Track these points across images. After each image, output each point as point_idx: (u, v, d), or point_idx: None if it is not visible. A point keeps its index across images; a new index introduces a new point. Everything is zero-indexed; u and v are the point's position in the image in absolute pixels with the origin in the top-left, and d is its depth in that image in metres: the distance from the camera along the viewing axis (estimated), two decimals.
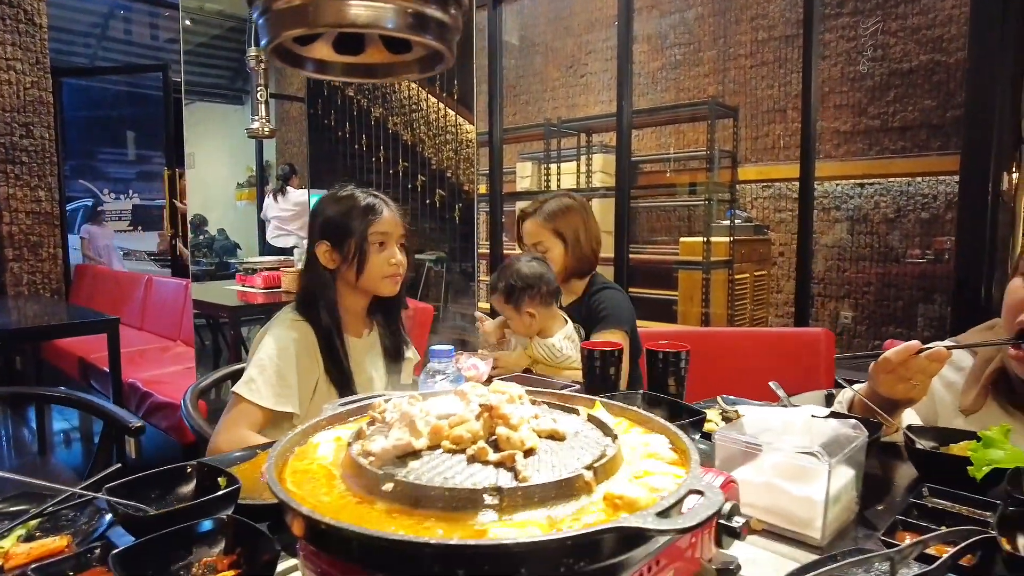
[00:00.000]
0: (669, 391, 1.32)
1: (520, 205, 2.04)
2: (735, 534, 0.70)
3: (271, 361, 1.34)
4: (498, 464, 0.55)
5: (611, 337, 1.77)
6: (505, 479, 0.53)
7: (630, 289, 4.19)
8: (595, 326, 1.82)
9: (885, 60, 5.06)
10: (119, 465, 0.92)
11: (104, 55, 9.05)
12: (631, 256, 4.65)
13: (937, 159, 4.77)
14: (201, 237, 6.89)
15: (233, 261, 5.71)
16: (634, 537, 0.47)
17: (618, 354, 1.35)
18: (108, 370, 3.12)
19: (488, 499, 0.50)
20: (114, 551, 0.64)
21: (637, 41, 6.35)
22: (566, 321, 1.81)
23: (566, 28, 7.07)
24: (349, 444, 0.61)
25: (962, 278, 2.75)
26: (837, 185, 5.35)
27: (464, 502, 0.50)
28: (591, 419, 0.69)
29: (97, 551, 0.71)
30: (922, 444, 1.01)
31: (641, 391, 1.16)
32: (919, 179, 4.94)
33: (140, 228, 9.01)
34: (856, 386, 1.21)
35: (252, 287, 3.76)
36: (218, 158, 8.01)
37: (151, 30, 8.90)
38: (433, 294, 6.58)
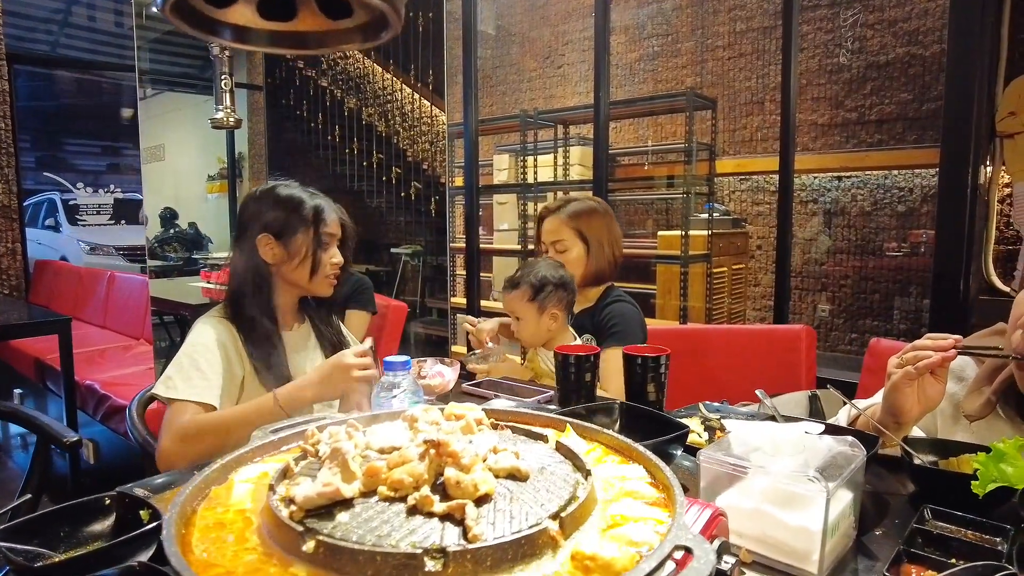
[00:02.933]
0: (649, 398, 1.24)
1: (540, 204, 1.97)
2: None
3: (187, 357, 1.31)
4: (444, 516, 0.45)
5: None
6: (452, 536, 0.43)
7: None
8: (604, 341, 1.72)
9: (862, 53, 5.04)
10: (29, 496, 0.81)
11: (66, 42, 8.75)
12: None
13: (913, 152, 4.77)
14: (172, 231, 6.69)
15: (199, 256, 5.54)
16: None
17: (594, 359, 1.26)
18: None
19: (430, 564, 0.41)
20: None
21: (614, 32, 6.27)
22: (575, 338, 1.72)
23: (542, 18, 6.97)
24: (271, 487, 0.51)
25: (940, 271, 2.72)
26: (815, 178, 5.34)
27: (400, 568, 0.41)
28: (560, 448, 0.60)
29: None
30: (920, 459, 0.94)
31: (619, 401, 1.07)
32: (896, 172, 4.94)
33: (123, 222, 8.73)
34: (859, 402, 1.13)
35: (218, 283, 3.61)
36: (188, 150, 7.79)
37: (115, 16, 8.61)
38: (409, 288, 6.47)
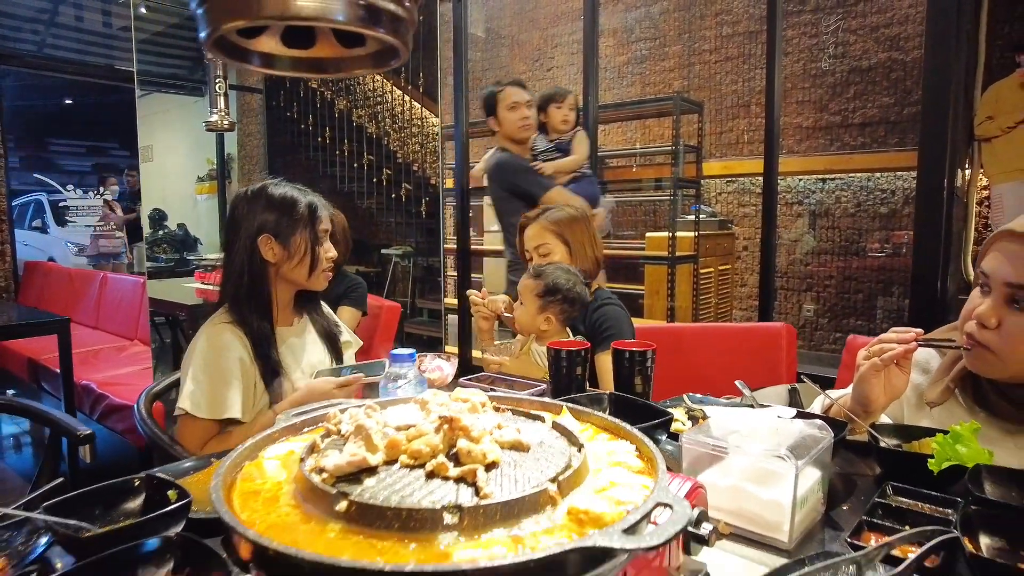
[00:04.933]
0: (636, 390, 1.31)
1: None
2: (703, 541, 0.68)
3: (206, 370, 1.35)
4: (458, 479, 0.52)
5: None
6: (466, 496, 0.50)
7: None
8: (598, 345, 1.80)
9: (845, 57, 5.15)
10: (61, 480, 0.87)
11: (53, 42, 8.71)
12: None
13: (895, 155, 4.88)
14: (160, 232, 6.69)
15: (192, 257, 5.55)
16: (600, 556, 0.45)
17: (584, 353, 1.33)
18: (59, 372, 3.00)
19: (448, 518, 0.48)
20: None
21: (603, 35, 6.34)
22: (569, 336, 1.79)
23: (532, 21, 7.04)
24: (302, 459, 0.58)
25: (918, 272, 2.80)
26: (800, 180, 5.43)
27: (423, 522, 0.48)
28: (556, 427, 0.67)
29: (34, 575, 0.66)
30: (886, 442, 1.02)
31: (608, 392, 1.15)
32: (878, 174, 5.04)
33: (113, 224, 8.71)
34: (832, 392, 1.21)
35: (212, 284, 3.65)
36: (177, 151, 7.78)
37: (103, 17, 8.58)
38: (400, 289, 6.51)
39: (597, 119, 4.23)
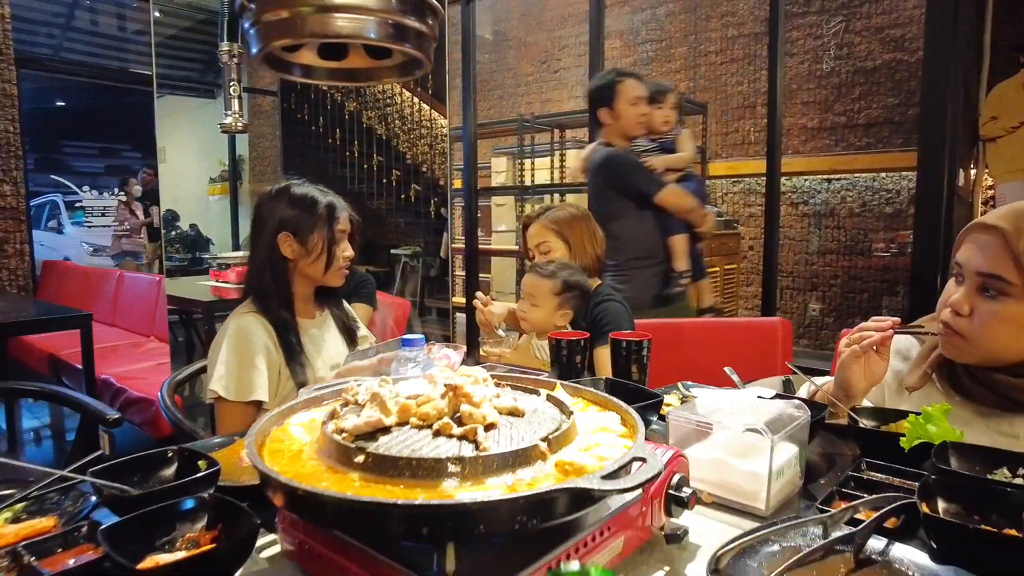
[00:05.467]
0: (632, 378, 1.38)
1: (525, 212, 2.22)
2: (683, 504, 0.76)
3: (235, 356, 1.44)
4: (461, 437, 0.60)
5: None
6: (467, 450, 0.58)
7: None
8: (598, 339, 1.87)
9: (850, 58, 5.19)
10: (101, 452, 0.95)
11: (69, 46, 8.87)
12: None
13: (899, 155, 4.91)
14: (173, 232, 6.82)
15: (206, 256, 5.66)
16: (582, 497, 0.52)
17: (584, 343, 1.40)
18: (80, 366, 3.10)
19: (451, 467, 0.55)
20: (102, 526, 0.67)
21: (609, 37, 6.40)
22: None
23: (538, 23, 7.11)
24: (324, 423, 0.66)
25: (918, 272, 2.84)
26: (805, 180, 5.47)
27: (429, 471, 0.55)
28: (550, 399, 0.75)
29: (84, 529, 0.74)
30: (864, 423, 1.09)
31: (605, 377, 1.22)
32: (883, 174, 5.08)
33: (127, 224, 8.85)
34: (817, 379, 1.28)
35: (226, 282, 3.76)
36: (189, 152, 7.89)
37: (118, 20, 8.74)
38: (409, 289, 6.59)
39: None
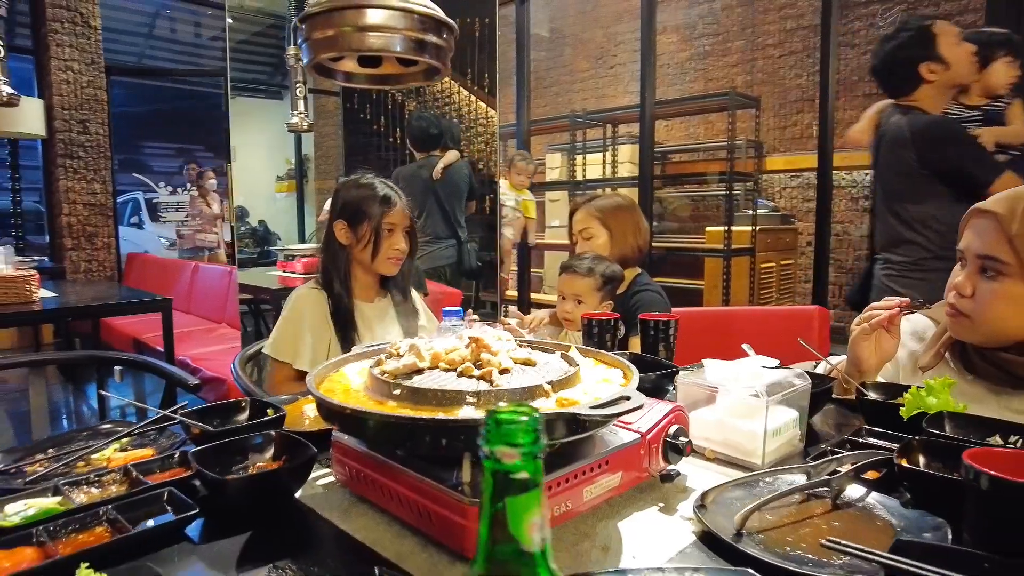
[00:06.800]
0: (660, 356, 1.48)
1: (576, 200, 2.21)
2: (679, 451, 0.86)
3: (288, 323, 1.61)
4: (479, 378, 0.72)
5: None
6: (483, 387, 0.70)
7: (656, 278, 4.33)
8: (632, 327, 1.93)
9: None
10: (186, 403, 1.12)
11: (151, 53, 9.46)
12: (656, 245, 4.75)
13: None
14: (243, 228, 7.22)
15: (275, 249, 6.00)
16: (572, 422, 0.64)
17: (614, 323, 1.51)
18: (162, 348, 3.39)
19: (469, 399, 0.68)
20: (192, 449, 0.83)
21: (665, 32, 6.40)
22: None
23: (595, 19, 7.17)
24: (371, 368, 0.79)
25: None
26: (866, 174, 5.35)
27: (451, 400, 0.68)
28: (564, 356, 0.87)
29: (176, 456, 0.90)
30: (870, 396, 1.15)
31: (628, 351, 1.32)
32: None
33: (199, 219, 9.39)
34: (832, 359, 1.35)
35: (292, 272, 4.02)
36: (258, 152, 8.31)
37: (195, 28, 9.27)
38: (465, 282, 6.77)
39: (653, 116, 4.34)
